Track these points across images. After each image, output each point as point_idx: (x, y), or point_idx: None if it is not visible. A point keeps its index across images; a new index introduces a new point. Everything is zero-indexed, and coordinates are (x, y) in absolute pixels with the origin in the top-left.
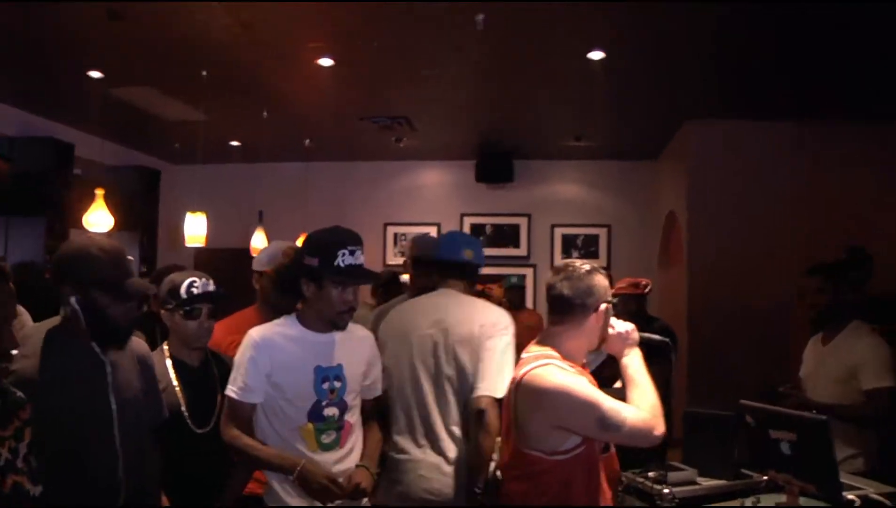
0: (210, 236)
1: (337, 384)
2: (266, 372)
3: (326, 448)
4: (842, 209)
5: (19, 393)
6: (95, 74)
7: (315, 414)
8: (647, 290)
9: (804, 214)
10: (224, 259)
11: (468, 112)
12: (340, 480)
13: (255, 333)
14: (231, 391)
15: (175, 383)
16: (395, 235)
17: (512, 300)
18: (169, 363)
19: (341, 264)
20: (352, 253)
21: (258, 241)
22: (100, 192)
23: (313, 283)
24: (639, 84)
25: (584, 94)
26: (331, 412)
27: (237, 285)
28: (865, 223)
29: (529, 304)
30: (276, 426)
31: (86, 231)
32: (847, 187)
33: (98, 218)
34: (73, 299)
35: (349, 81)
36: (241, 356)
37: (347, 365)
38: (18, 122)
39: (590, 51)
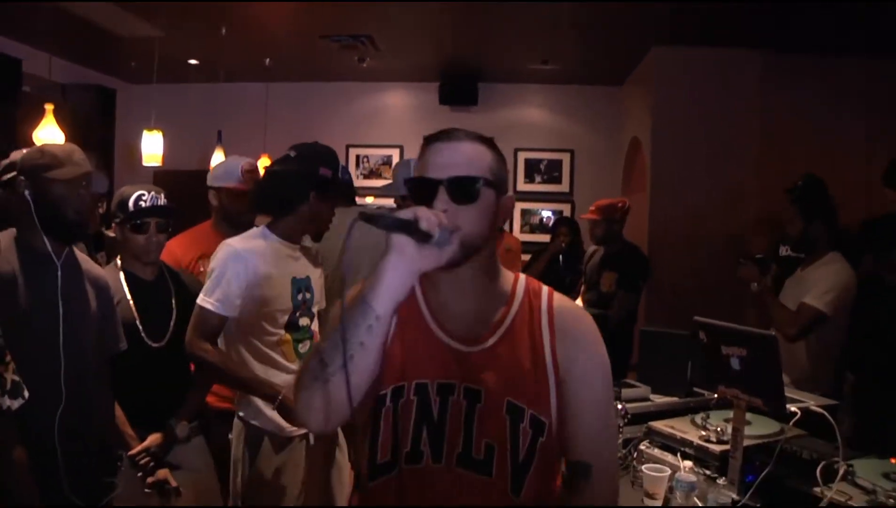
0: (168, 157)
1: (307, 295)
2: (246, 284)
3: (302, 356)
4: (804, 141)
5: None
6: None
7: (292, 325)
8: (620, 213)
9: (767, 143)
10: (183, 181)
11: (433, 32)
12: None
13: (236, 243)
14: (207, 302)
15: (128, 296)
16: (358, 157)
17: None
18: (122, 276)
19: (346, 180)
20: (345, 171)
21: (217, 161)
22: (49, 107)
23: (319, 193)
24: (607, 6)
25: (552, 15)
26: (304, 321)
27: (197, 207)
28: (827, 155)
29: None
30: (255, 340)
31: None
32: (809, 119)
33: (48, 134)
34: (26, 192)
35: None
36: (220, 268)
37: (313, 275)
38: None
39: None
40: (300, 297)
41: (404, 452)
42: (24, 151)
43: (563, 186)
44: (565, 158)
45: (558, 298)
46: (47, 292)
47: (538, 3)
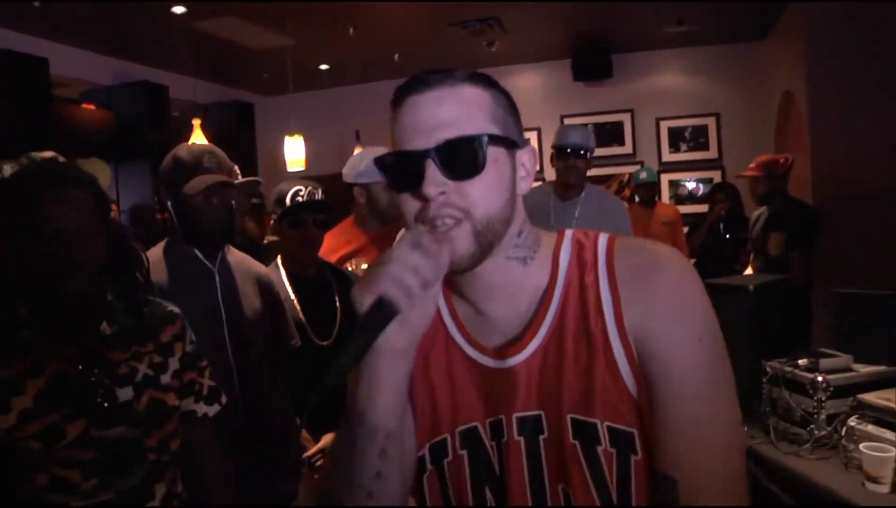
0: (310, 163)
1: None
2: None
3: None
4: None
5: (169, 306)
6: (179, 10)
7: None
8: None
9: None
10: (327, 184)
11: (560, 6)
12: None
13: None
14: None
15: (292, 296)
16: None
17: (643, 198)
18: (283, 275)
19: None
20: None
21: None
22: (196, 121)
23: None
24: None
25: None
26: None
27: (345, 210)
28: None
29: None
30: None
31: None
32: None
33: None
34: (168, 204)
35: None
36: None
37: None
38: (113, 70)
39: None
40: None
41: None
42: (167, 158)
43: (711, 153)
44: (711, 122)
45: (624, 246)
46: (207, 298)
47: None
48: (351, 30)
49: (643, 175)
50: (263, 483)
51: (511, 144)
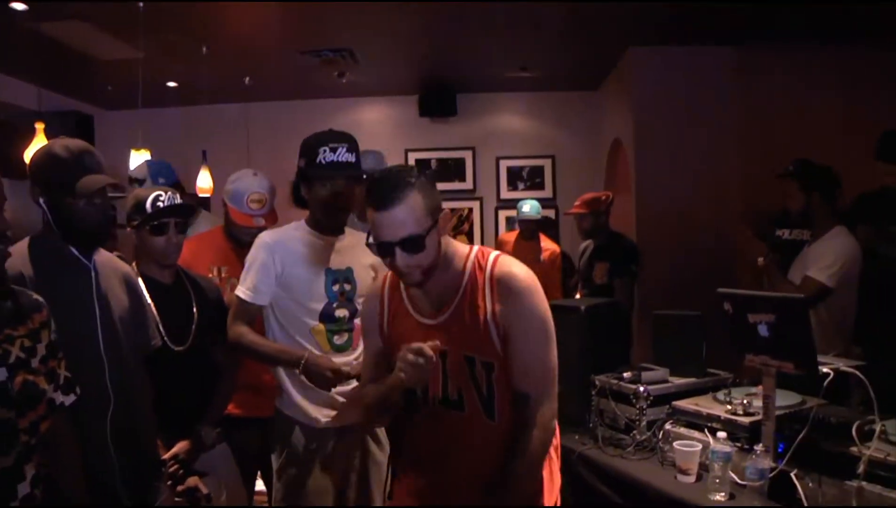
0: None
1: (347, 287)
2: (276, 274)
3: (339, 349)
4: (786, 130)
5: (35, 296)
6: (19, 6)
7: (326, 315)
8: (605, 205)
9: (748, 137)
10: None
11: (411, 44)
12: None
13: (267, 236)
14: (240, 291)
15: (149, 301)
16: None
17: (523, 232)
18: (140, 281)
19: (322, 162)
20: (333, 150)
21: (204, 181)
22: (40, 126)
23: (304, 184)
24: (582, 8)
25: (527, 20)
26: (341, 313)
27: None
28: (808, 146)
29: (478, 238)
30: (288, 328)
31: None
32: (790, 110)
33: None
34: (41, 200)
35: (290, 11)
36: (253, 259)
37: (357, 269)
38: None
39: None
40: (336, 288)
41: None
42: (39, 151)
43: (547, 192)
44: (547, 163)
45: (500, 264)
46: (82, 294)
47: (513, 6)
48: (204, 49)
49: (525, 208)
50: (136, 478)
51: (436, 220)
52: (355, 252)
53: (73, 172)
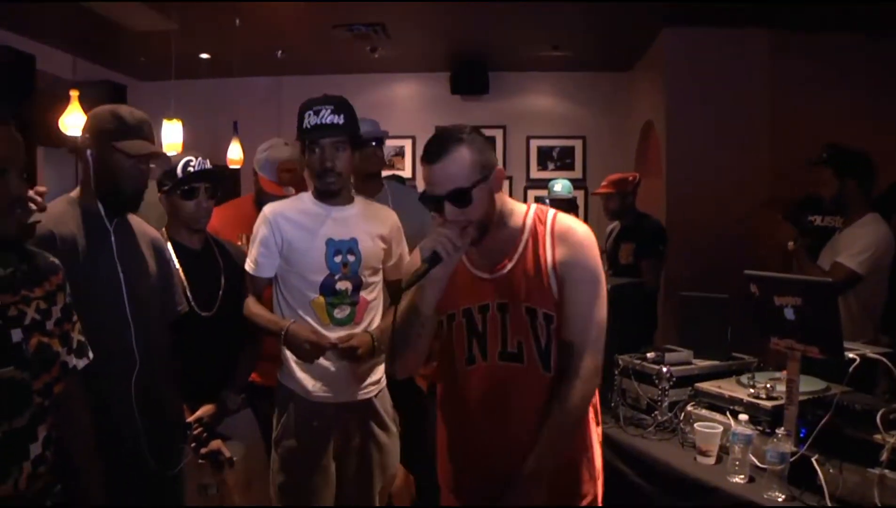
0: (186, 152)
1: (350, 258)
2: (278, 247)
3: (339, 322)
4: (817, 117)
5: (52, 258)
6: None
7: (326, 288)
8: (632, 186)
9: (779, 122)
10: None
11: (443, 20)
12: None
13: (268, 209)
14: (247, 264)
15: (177, 266)
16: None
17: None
18: (169, 246)
19: (308, 126)
20: (316, 113)
21: (235, 152)
22: (74, 93)
23: (301, 152)
24: None
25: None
26: (343, 285)
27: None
28: (840, 132)
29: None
30: (290, 300)
31: (63, 136)
32: (822, 96)
33: (75, 120)
34: (88, 152)
35: None
36: (256, 232)
37: (362, 239)
38: None
39: None
40: (338, 259)
41: (462, 358)
42: (102, 108)
43: (577, 173)
44: (577, 144)
45: (560, 218)
46: (105, 257)
47: None
48: (237, 21)
49: (557, 187)
50: (162, 441)
51: (487, 175)
52: (362, 221)
53: (129, 134)
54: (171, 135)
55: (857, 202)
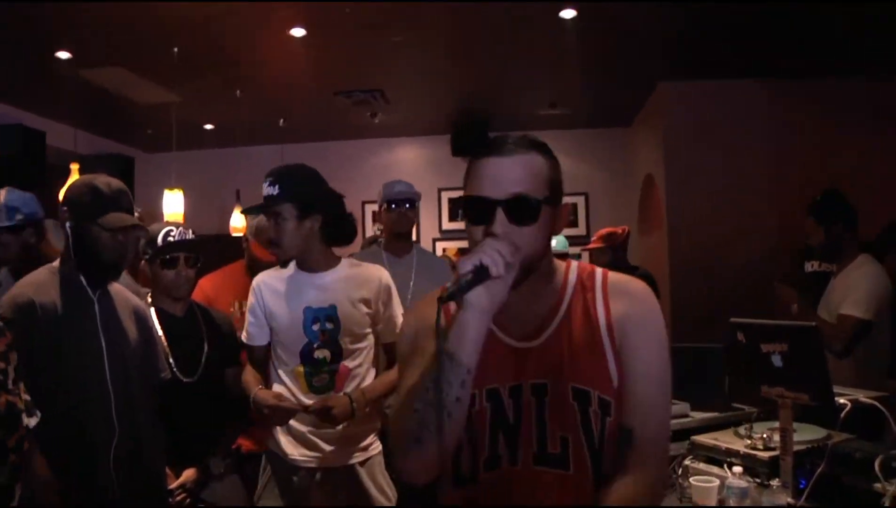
0: (189, 221)
1: (329, 326)
2: (265, 315)
3: (318, 391)
4: (816, 164)
5: None
6: (64, 55)
7: (305, 356)
8: (621, 239)
9: (780, 170)
10: (205, 245)
11: (442, 83)
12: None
13: (258, 278)
14: (241, 332)
15: (160, 333)
16: (373, 212)
17: None
18: (153, 312)
19: (266, 194)
20: (265, 185)
21: (237, 220)
22: (75, 166)
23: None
24: (612, 44)
25: (558, 57)
26: (321, 354)
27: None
28: (841, 178)
29: None
30: (279, 367)
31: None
32: (821, 143)
33: None
34: (67, 225)
35: (322, 52)
36: (248, 301)
37: (342, 305)
38: None
39: (561, 9)
40: (315, 327)
41: (482, 460)
42: (79, 180)
43: (580, 230)
44: (580, 201)
45: (614, 274)
46: (87, 325)
47: (541, 44)
48: (238, 92)
49: (552, 243)
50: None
51: (556, 201)
52: (344, 286)
53: (106, 206)
54: (173, 204)
55: (847, 246)
